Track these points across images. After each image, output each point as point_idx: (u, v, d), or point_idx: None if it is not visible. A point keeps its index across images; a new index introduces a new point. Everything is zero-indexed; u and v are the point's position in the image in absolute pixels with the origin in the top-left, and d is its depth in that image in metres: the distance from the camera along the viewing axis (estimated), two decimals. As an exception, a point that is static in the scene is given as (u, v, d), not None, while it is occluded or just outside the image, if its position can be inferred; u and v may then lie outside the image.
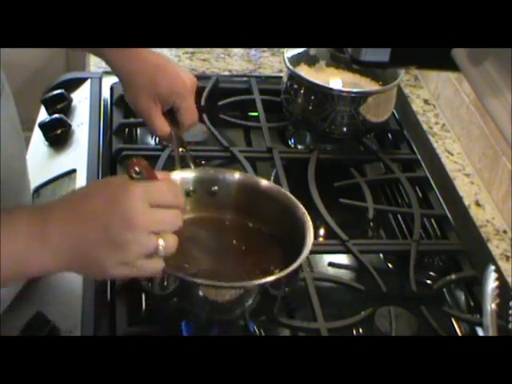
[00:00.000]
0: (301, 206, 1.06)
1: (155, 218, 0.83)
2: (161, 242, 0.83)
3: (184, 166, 1.13)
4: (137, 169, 0.84)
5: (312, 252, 1.17)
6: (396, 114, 1.47)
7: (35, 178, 1.21)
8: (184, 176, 1.08)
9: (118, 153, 1.29)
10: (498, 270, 0.97)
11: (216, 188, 1.09)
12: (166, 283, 0.97)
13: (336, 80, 1.38)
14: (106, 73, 1.48)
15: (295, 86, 1.36)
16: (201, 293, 0.96)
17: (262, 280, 0.97)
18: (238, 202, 1.09)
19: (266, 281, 0.97)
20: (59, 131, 1.37)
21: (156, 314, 1.06)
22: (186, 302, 0.99)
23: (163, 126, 1.14)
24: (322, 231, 1.26)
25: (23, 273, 0.85)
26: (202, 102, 1.43)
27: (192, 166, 1.14)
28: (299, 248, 1.00)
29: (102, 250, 0.82)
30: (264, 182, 1.10)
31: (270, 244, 1.06)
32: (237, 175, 1.10)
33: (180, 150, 1.15)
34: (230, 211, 1.09)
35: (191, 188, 1.07)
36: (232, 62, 1.63)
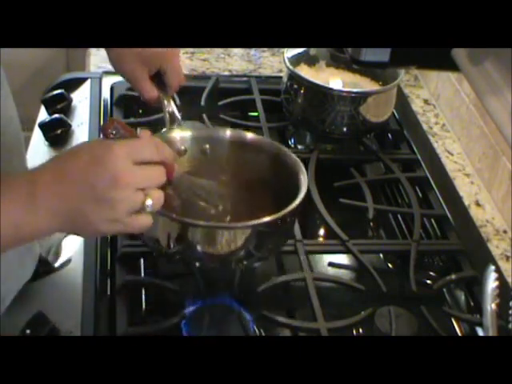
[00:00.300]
0: (292, 155, 1.09)
1: (139, 175, 0.86)
2: (148, 200, 0.86)
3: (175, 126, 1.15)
4: (112, 130, 0.88)
5: (312, 252, 1.18)
6: (396, 114, 1.47)
7: (35, 178, 1.21)
8: (175, 136, 1.10)
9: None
10: (498, 270, 0.97)
11: (207, 146, 1.11)
12: (170, 241, 1.00)
13: (336, 80, 1.38)
14: (106, 73, 1.48)
15: (295, 86, 1.36)
16: (198, 237, 0.98)
17: (253, 221, 0.99)
18: (229, 158, 1.12)
19: (257, 222, 0.99)
20: (59, 131, 1.37)
21: (156, 314, 1.06)
22: (186, 255, 1.01)
23: (151, 89, 1.15)
24: (322, 231, 1.26)
25: (20, 238, 0.87)
26: (202, 102, 1.44)
27: (182, 124, 1.15)
28: (293, 197, 1.02)
29: (91, 208, 0.84)
30: (251, 135, 1.14)
31: (264, 195, 1.09)
32: (228, 132, 1.14)
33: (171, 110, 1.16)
34: (222, 167, 1.12)
35: (183, 147, 1.09)
36: (232, 61, 1.63)
